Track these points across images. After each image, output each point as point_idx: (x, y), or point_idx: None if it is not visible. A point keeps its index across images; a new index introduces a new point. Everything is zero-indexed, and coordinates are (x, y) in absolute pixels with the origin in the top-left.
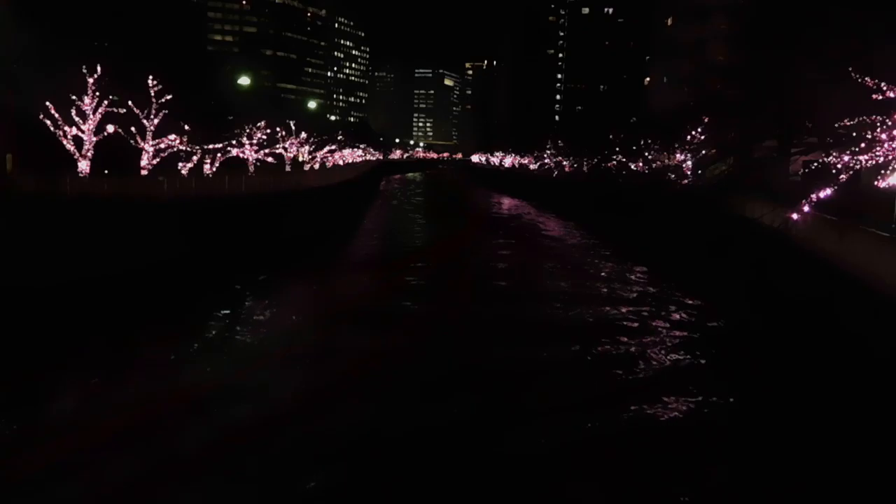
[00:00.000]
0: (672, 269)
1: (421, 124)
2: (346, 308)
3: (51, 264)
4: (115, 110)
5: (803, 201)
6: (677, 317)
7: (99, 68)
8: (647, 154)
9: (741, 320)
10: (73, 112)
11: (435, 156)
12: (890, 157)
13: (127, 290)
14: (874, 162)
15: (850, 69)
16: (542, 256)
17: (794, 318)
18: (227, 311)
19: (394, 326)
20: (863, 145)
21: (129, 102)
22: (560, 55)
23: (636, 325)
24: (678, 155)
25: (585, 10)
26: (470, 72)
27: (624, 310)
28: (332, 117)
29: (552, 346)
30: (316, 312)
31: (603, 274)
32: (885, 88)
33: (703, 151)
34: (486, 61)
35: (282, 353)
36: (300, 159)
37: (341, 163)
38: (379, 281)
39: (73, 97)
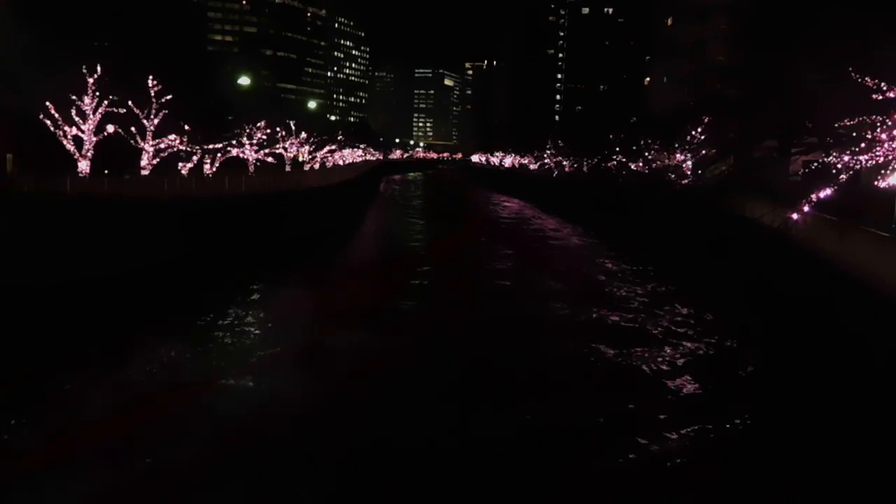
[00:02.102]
0: (675, 270)
1: (421, 124)
2: (340, 311)
3: (51, 264)
4: (115, 110)
5: (803, 201)
6: (684, 322)
7: (99, 68)
8: (647, 154)
9: (742, 321)
10: (73, 112)
11: (435, 156)
12: (890, 157)
13: (127, 290)
14: (874, 162)
15: (850, 69)
16: (546, 264)
17: (795, 319)
18: (227, 312)
19: (384, 350)
20: (863, 145)
21: (129, 102)
22: (560, 55)
23: (642, 339)
24: (678, 155)
25: (585, 10)
26: (470, 72)
27: (632, 329)
28: (332, 117)
29: (560, 390)
30: (312, 314)
31: (603, 278)
32: (885, 88)
33: (703, 151)
34: (486, 61)
35: (279, 354)
36: (300, 159)
37: (341, 163)
38: (376, 285)
39: (73, 97)
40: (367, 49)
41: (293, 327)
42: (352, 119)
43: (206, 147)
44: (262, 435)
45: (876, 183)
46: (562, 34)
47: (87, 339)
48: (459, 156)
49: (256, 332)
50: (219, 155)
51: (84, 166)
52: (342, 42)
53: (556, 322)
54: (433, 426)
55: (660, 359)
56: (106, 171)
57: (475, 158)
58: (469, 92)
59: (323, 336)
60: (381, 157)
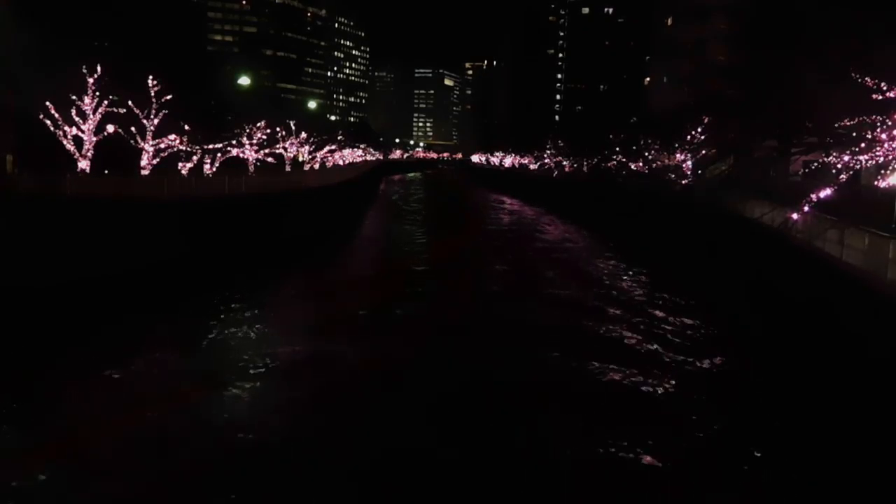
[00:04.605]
0: (674, 271)
1: (421, 124)
2: (339, 311)
3: (50, 264)
4: (115, 110)
5: (803, 201)
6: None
7: (99, 68)
8: (647, 154)
9: (743, 322)
10: (73, 112)
11: (435, 156)
12: (890, 157)
13: (127, 290)
14: (874, 162)
15: (850, 69)
16: (544, 265)
17: (795, 319)
18: (228, 313)
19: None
20: (863, 145)
21: (129, 102)
22: (560, 55)
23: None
24: (678, 155)
25: (585, 10)
26: (470, 72)
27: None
28: (332, 117)
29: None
30: (311, 315)
31: (603, 276)
32: (885, 88)
33: (703, 151)
34: (486, 61)
35: (275, 354)
36: (300, 159)
37: (341, 163)
38: (375, 288)
39: (73, 97)
40: (367, 49)
41: (291, 328)
42: (352, 119)
43: (206, 147)
44: (262, 436)
45: (876, 183)
46: (562, 34)
47: (86, 339)
48: (459, 156)
49: (253, 333)
50: (219, 155)
51: (84, 166)
52: (342, 42)
53: (553, 323)
54: None
55: (660, 358)
56: (106, 171)
57: (475, 158)
58: (469, 92)
59: (317, 337)
60: (381, 157)
